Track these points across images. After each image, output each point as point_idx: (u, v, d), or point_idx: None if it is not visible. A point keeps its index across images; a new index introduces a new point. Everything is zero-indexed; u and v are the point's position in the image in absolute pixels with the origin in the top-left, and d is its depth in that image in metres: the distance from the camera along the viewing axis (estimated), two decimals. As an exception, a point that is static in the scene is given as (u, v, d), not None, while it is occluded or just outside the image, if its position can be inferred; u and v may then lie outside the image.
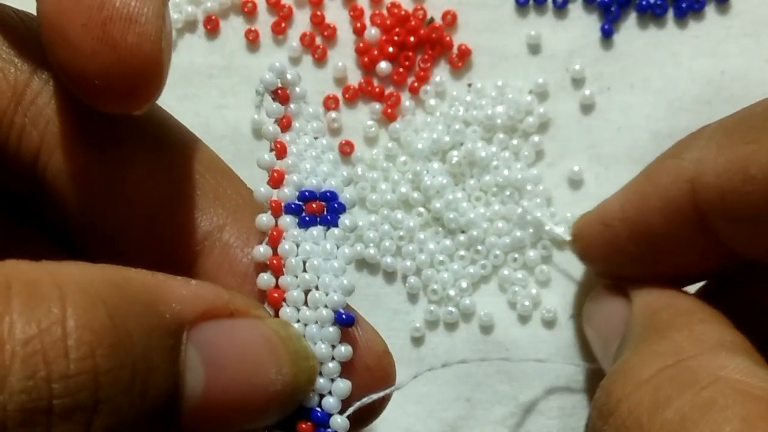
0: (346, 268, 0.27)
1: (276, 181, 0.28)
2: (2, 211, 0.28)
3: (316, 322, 0.27)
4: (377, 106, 0.43)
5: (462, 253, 0.41)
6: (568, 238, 0.39)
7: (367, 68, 0.43)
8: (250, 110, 0.43)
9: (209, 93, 0.43)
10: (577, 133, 0.42)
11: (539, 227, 0.41)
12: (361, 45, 0.43)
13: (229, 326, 0.24)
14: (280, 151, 0.28)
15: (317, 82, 0.43)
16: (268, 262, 0.27)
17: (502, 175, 0.41)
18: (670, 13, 0.43)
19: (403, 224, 0.41)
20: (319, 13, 0.43)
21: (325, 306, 0.27)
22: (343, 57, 0.43)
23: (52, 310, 0.20)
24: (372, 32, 0.43)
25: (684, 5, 0.42)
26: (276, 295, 0.27)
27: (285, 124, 0.28)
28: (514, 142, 0.42)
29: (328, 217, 0.28)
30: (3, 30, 0.26)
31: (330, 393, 0.26)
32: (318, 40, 0.44)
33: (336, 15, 0.44)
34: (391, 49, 0.43)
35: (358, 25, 0.43)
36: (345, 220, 0.28)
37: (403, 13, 0.43)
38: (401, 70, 0.43)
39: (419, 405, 0.40)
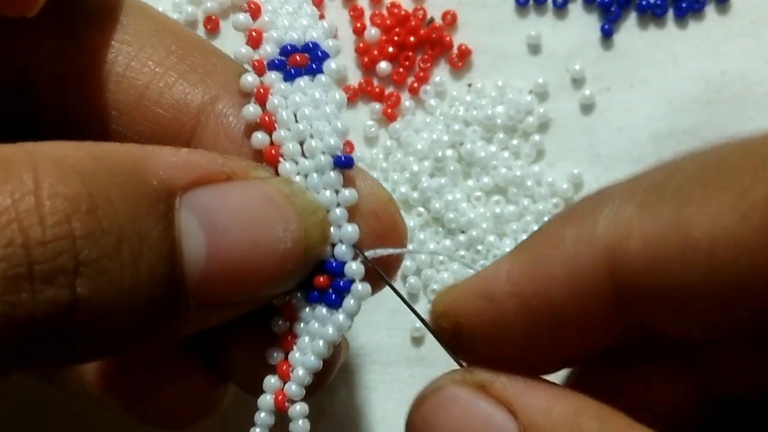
0: (337, 112, 0.27)
1: (255, 40, 0.27)
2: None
3: (316, 171, 0.26)
4: (377, 106, 0.43)
5: (462, 253, 0.41)
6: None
7: (367, 68, 0.43)
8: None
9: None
10: (577, 133, 0.42)
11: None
12: (361, 45, 0.43)
13: (226, 189, 0.24)
14: (255, 11, 0.28)
15: (317, 82, 0.43)
16: (259, 120, 0.27)
17: (502, 175, 0.41)
18: (670, 13, 0.43)
19: (403, 224, 0.41)
20: (319, 13, 0.43)
21: (323, 152, 0.26)
22: (343, 57, 0.43)
23: (24, 182, 0.21)
24: (372, 32, 0.43)
25: (684, 5, 0.42)
26: (273, 151, 0.26)
27: None
28: (514, 142, 0.42)
29: (314, 66, 0.27)
30: None
31: (340, 241, 0.26)
32: (318, 40, 0.43)
33: (336, 15, 0.44)
34: (391, 49, 0.43)
35: (358, 25, 0.43)
36: (330, 64, 0.27)
37: (403, 13, 0.43)
38: (401, 70, 0.43)
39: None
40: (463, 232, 0.41)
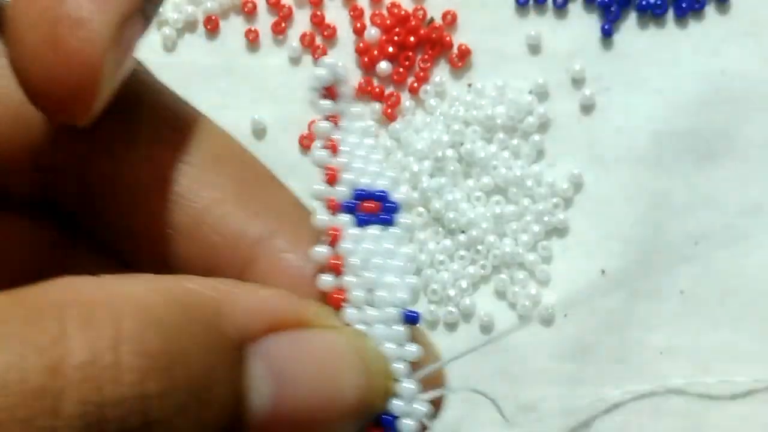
0: (409, 268, 0.27)
1: (331, 179, 0.27)
2: (53, 224, 0.28)
3: (382, 323, 0.26)
4: (377, 106, 0.43)
5: (462, 253, 0.41)
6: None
7: (367, 68, 0.43)
8: (250, 110, 0.43)
9: (209, 93, 0.43)
10: (577, 133, 0.42)
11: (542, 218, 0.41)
12: (361, 45, 0.43)
13: (299, 338, 0.24)
14: (333, 148, 0.27)
15: (317, 82, 0.43)
16: (328, 263, 0.26)
17: (502, 175, 0.41)
18: (670, 13, 0.43)
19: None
20: (319, 13, 0.43)
21: (391, 305, 0.26)
22: (343, 57, 0.43)
23: (106, 334, 0.20)
24: (372, 32, 0.43)
25: (684, 5, 0.42)
26: (338, 296, 0.26)
27: (335, 122, 0.28)
28: (514, 142, 0.42)
29: (385, 216, 0.27)
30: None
31: (398, 395, 0.26)
32: (318, 40, 0.43)
33: (336, 15, 0.44)
34: (391, 49, 0.43)
35: (358, 25, 0.43)
36: (401, 219, 0.27)
37: (403, 13, 0.43)
38: (401, 70, 0.43)
39: (419, 405, 0.40)
40: (463, 232, 0.41)
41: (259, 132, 0.43)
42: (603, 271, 0.41)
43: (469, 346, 0.42)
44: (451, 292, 0.41)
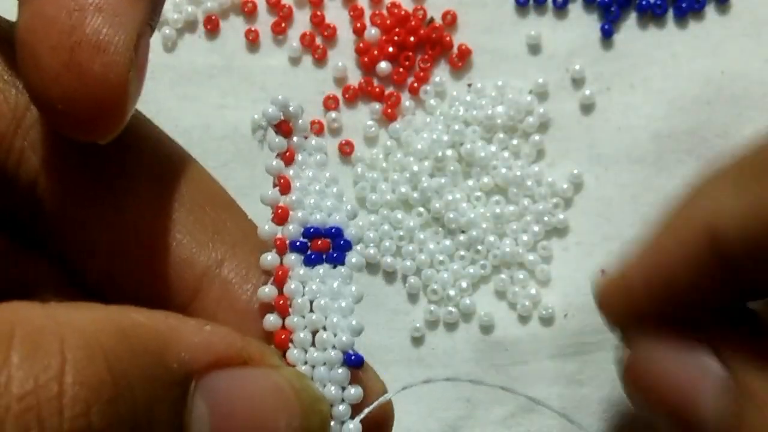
0: (354, 307, 0.27)
1: (280, 217, 0.27)
2: (6, 233, 0.28)
3: (324, 364, 0.26)
4: (377, 106, 0.43)
5: (462, 253, 0.41)
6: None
7: (367, 68, 0.43)
8: (250, 110, 0.43)
9: (209, 93, 0.43)
10: (577, 133, 0.42)
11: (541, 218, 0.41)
12: (361, 45, 0.43)
13: (240, 376, 0.24)
14: (284, 187, 0.27)
15: (317, 82, 0.43)
16: (273, 303, 0.27)
17: (502, 175, 0.41)
18: (670, 13, 0.43)
19: (403, 224, 0.41)
20: (319, 13, 0.43)
21: (333, 347, 0.26)
22: (343, 57, 0.43)
23: (51, 365, 0.20)
24: (372, 32, 0.43)
25: (684, 5, 0.42)
26: (283, 336, 0.26)
27: (288, 158, 0.28)
28: (514, 142, 0.42)
29: (334, 255, 0.27)
30: (5, 50, 0.26)
31: None
32: (318, 40, 0.44)
33: (336, 15, 0.44)
34: (391, 49, 0.43)
35: (358, 25, 0.43)
36: (352, 258, 0.27)
37: (403, 13, 0.43)
38: (401, 70, 0.43)
39: (419, 405, 0.40)
40: (463, 232, 0.41)
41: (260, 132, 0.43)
42: (603, 271, 0.41)
43: (469, 346, 0.43)
44: (451, 292, 0.41)
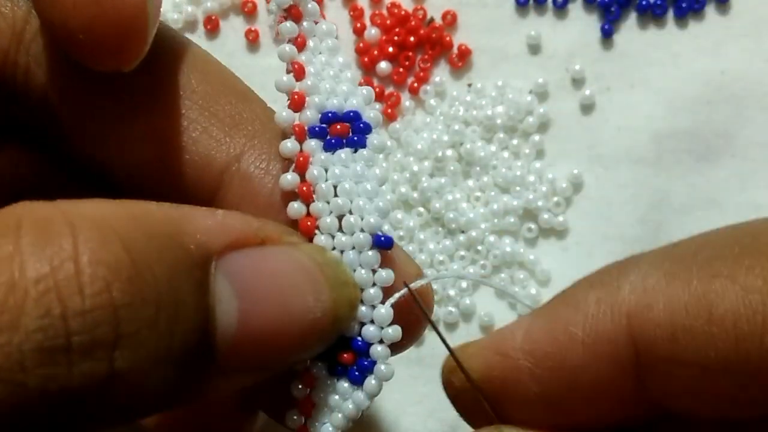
0: (379, 189, 0.26)
1: (297, 104, 0.26)
2: (23, 145, 0.28)
3: (353, 248, 0.25)
4: (377, 106, 0.43)
5: (462, 253, 0.41)
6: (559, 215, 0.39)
7: (367, 68, 0.43)
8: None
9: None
10: (577, 133, 0.42)
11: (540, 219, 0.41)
12: (361, 45, 0.43)
13: (260, 254, 0.23)
14: (299, 72, 0.27)
15: (317, 82, 0.43)
16: (296, 190, 0.26)
17: (502, 175, 0.41)
18: (670, 13, 0.43)
19: (403, 224, 0.41)
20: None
21: (362, 230, 0.25)
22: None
23: (63, 247, 0.20)
24: (372, 32, 0.43)
25: (684, 5, 0.42)
26: (308, 223, 0.26)
27: (300, 44, 0.27)
28: (514, 142, 0.42)
29: (355, 138, 0.26)
30: None
31: (372, 321, 0.25)
32: (318, 40, 0.43)
33: (336, 15, 0.44)
34: (391, 49, 0.43)
35: (358, 25, 0.43)
36: (373, 139, 0.26)
37: (403, 13, 0.43)
38: (401, 70, 0.43)
39: (419, 405, 0.40)
40: (463, 232, 0.41)
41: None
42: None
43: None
44: (451, 292, 0.41)
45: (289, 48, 0.27)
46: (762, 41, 0.42)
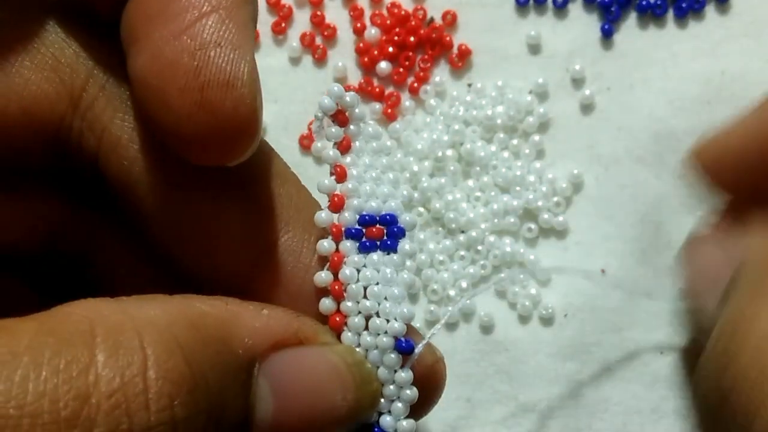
0: (405, 294, 0.28)
1: (336, 206, 0.28)
2: (68, 197, 0.28)
3: (376, 348, 0.27)
4: (377, 106, 0.43)
5: (462, 253, 0.41)
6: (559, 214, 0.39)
7: (367, 68, 0.43)
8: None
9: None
10: (577, 133, 0.42)
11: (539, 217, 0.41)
12: (361, 45, 0.43)
13: (298, 355, 0.25)
14: (341, 176, 0.28)
15: (317, 82, 0.43)
16: (329, 288, 0.27)
17: (502, 175, 0.41)
18: (670, 13, 0.43)
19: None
20: (319, 13, 0.43)
21: (386, 333, 0.27)
22: (343, 57, 0.43)
23: (134, 361, 0.21)
24: (372, 32, 0.43)
25: (684, 5, 0.42)
26: (338, 319, 0.27)
27: (345, 147, 0.28)
28: (514, 142, 0.42)
29: (388, 242, 0.28)
30: (69, 29, 0.26)
31: (389, 412, 0.27)
32: (318, 40, 0.44)
33: (336, 15, 0.44)
34: (391, 49, 0.43)
35: (358, 25, 0.43)
36: (405, 245, 0.28)
37: (403, 13, 0.43)
38: (401, 70, 0.43)
39: (419, 405, 0.40)
40: (463, 232, 0.41)
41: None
42: (603, 271, 0.41)
43: (469, 346, 0.43)
44: (451, 292, 0.41)
45: (332, 152, 0.28)
46: (762, 41, 0.42)
